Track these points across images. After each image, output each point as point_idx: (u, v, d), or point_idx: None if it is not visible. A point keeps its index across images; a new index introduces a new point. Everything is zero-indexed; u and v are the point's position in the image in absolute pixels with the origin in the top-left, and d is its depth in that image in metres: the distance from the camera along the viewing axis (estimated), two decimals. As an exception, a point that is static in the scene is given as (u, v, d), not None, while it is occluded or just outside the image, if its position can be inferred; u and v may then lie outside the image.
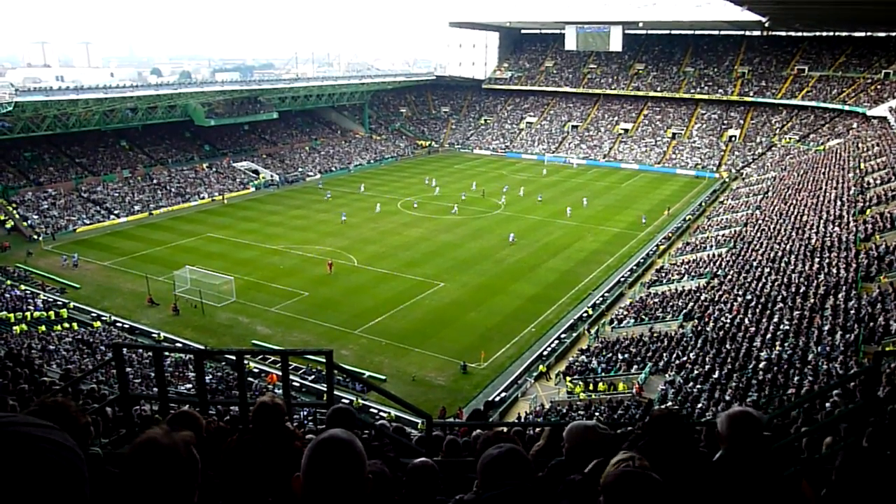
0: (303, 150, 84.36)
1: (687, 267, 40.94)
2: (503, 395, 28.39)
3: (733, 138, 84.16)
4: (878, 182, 44.43)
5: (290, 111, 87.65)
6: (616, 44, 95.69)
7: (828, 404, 15.03)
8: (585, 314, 36.47)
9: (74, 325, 35.28)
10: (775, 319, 27.66)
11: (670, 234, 52.37)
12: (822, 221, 40.22)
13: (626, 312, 35.39)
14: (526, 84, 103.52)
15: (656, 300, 35.75)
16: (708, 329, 28.99)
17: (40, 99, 57.09)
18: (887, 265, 29.62)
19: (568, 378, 28.64)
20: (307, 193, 68.87)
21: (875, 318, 24.77)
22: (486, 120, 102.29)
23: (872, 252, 31.72)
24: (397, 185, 71.85)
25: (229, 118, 76.77)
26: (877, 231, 34.82)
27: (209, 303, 37.39)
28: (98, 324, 35.49)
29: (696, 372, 25.25)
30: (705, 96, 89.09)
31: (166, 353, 28.29)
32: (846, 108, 74.70)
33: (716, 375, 24.45)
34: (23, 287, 39.69)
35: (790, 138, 78.59)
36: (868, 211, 39.03)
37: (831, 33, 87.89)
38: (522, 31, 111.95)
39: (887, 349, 21.54)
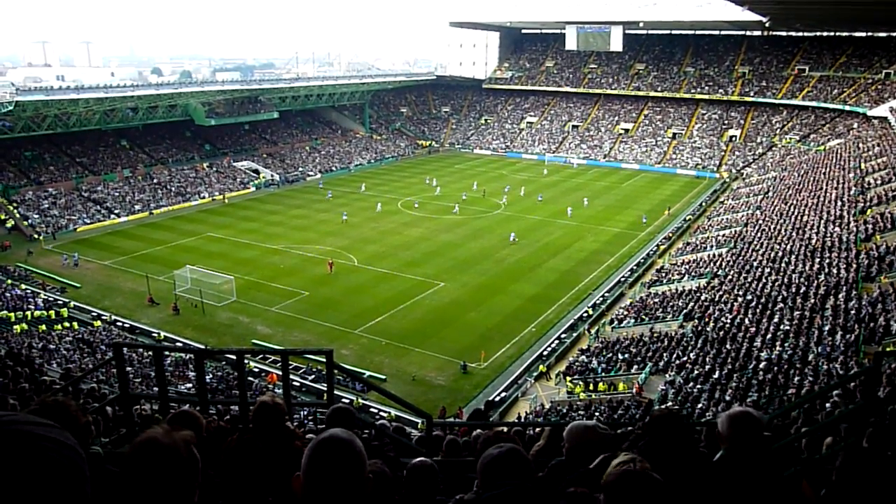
0: (303, 150, 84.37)
1: (687, 267, 40.93)
2: (503, 394, 28.39)
3: (734, 138, 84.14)
4: (879, 182, 44.41)
5: (290, 111, 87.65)
6: (616, 44, 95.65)
7: (828, 405, 15.03)
8: (586, 314, 36.46)
9: (75, 324, 35.30)
10: (776, 320, 27.65)
11: (670, 235, 52.36)
12: (822, 222, 40.21)
13: (626, 312, 35.38)
14: (526, 84, 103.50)
15: (656, 300, 35.74)
16: (708, 329, 28.99)
17: (41, 98, 57.11)
18: (888, 265, 29.61)
19: (568, 378, 28.64)
20: (307, 193, 68.87)
21: (875, 318, 24.77)
22: (486, 120, 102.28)
23: (873, 252, 31.71)
24: (398, 185, 71.85)
25: (230, 118, 76.78)
26: (877, 231, 34.81)
27: (209, 302, 37.40)
28: (98, 323, 35.50)
29: (696, 372, 25.25)
30: (706, 96, 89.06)
31: (166, 353, 28.28)
32: (847, 108, 74.67)
33: (716, 375, 24.45)
34: (23, 286, 39.71)
35: (791, 138, 78.57)
36: (868, 211, 39.02)
37: (832, 33, 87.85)
38: (523, 31, 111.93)
39: (888, 349, 21.53)
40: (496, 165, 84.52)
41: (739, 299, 31.14)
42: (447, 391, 28.75)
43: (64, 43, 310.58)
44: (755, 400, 21.25)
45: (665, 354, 28.20)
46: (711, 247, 44.17)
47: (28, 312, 34.90)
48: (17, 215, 53.75)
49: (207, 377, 25.47)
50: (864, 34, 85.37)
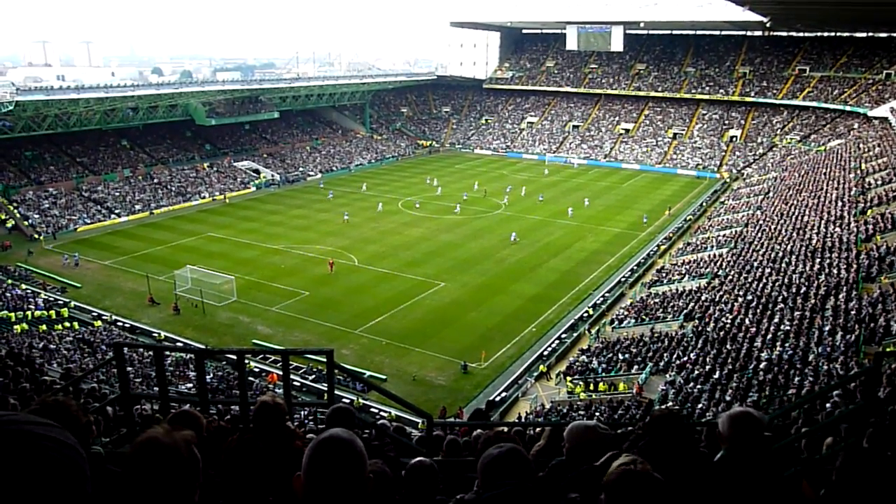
0: (304, 150, 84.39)
1: (688, 267, 40.93)
2: (504, 394, 28.39)
3: (734, 138, 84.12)
4: (879, 182, 44.39)
5: (291, 111, 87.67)
6: (617, 44, 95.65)
7: (828, 405, 15.02)
8: (586, 314, 36.46)
9: (75, 324, 35.31)
10: (776, 320, 27.64)
11: (671, 235, 52.36)
12: (822, 222, 40.20)
13: (626, 312, 35.38)
14: (527, 84, 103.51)
15: (657, 300, 35.74)
16: (708, 329, 28.98)
17: (41, 98, 57.14)
18: (888, 266, 29.60)
19: (568, 378, 28.64)
20: (308, 193, 68.89)
21: (876, 318, 24.76)
22: (487, 120, 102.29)
23: (873, 253, 31.69)
24: (398, 185, 71.86)
25: (230, 118, 76.80)
26: (878, 232, 34.79)
27: (210, 302, 37.41)
28: (99, 323, 35.51)
29: (696, 372, 25.25)
30: (706, 96, 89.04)
31: (167, 353, 28.29)
32: (847, 108, 74.64)
33: (716, 376, 24.45)
34: (24, 286, 39.73)
35: (791, 139, 78.55)
36: (869, 211, 39.00)
37: (833, 34, 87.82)
38: (523, 31, 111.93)
39: (888, 350, 21.52)
40: (497, 165, 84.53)
41: (740, 299, 31.13)
42: (447, 391, 28.75)
43: (64, 43, 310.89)
44: (755, 400, 21.24)
45: (665, 354, 28.20)
46: (712, 247, 44.16)
47: (28, 312, 34.92)
48: (18, 215, 53.77)
49: (208, 377, 25.48)
50: (864, 35, 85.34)
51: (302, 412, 14.48)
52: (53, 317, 35.46)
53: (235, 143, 79.88)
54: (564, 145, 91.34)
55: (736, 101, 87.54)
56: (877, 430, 4.76)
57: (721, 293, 33.12)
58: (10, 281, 40.35)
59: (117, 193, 61.80)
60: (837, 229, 37.67)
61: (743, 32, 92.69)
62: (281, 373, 20.40)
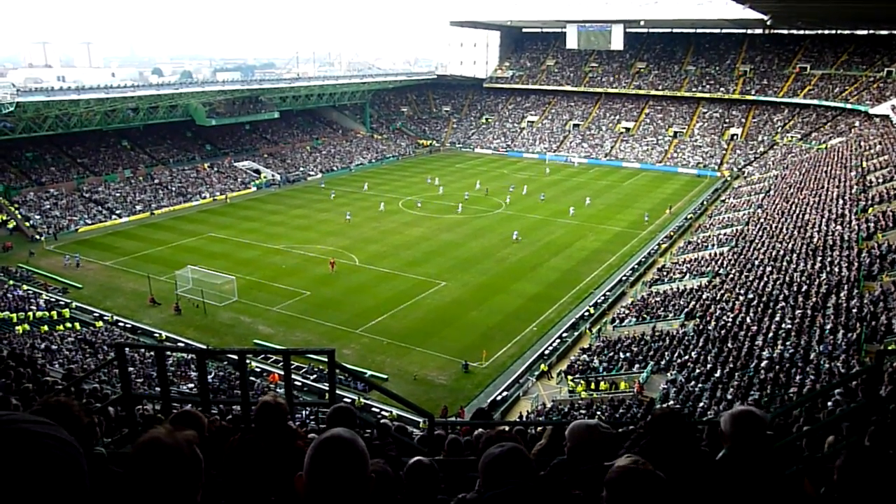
0: (304, 150, 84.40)
1: (689, 266, 40.92)
2: (505, 394, 28.40)
3: (735, 137, 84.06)
4: (881, 180, 44.34)
5: (291, 111, 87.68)
6: (617, 42, 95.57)
7: (830, 403, 15.00)
8: (587, 313, 36.46)
9: (77, 324, 35.35)
10: (777, 318, 27.62)
11: (672, 233, 52.35)
12: (823, 220, 40.16)
13: (627, 311, 35.38)
14: (527, 83, 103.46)
15: (658, 299, 35.73)
16: (710, 328, 28.97)
17: (42, 99, 57.20)
18: (889, 264, 29.56)
19: (569, 377, 28.64)
20: (309, 193, 68.91)
21: (877, 316, 24.72)
22: (487, 119, 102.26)
23: (874, 251, 31.65)
24: (399, 185, 71.87)
25: (230, 118, 76.82)
26: (879, 230, 34.75)
27: (211, 302, 37.43)
28: (100, 323, 35.55)
29: (697, 371, 25.24)
30: (707, 95, 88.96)
31: (168, 353, 28.31)
32: (848, 106, 74.54)
33: (717, 374, 24.44)
34: (25, 287, 39.78)
35: (792, 137, 78.49)
36: (870, 209, 38.95)
37: (833, 31, 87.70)
38: (523, 30, 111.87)
39: (889, 348, 21.50)
40: (497, 165, 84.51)
41: (741, 298, 31.12)
42: (449, 390, 28.76)
43: (64, 43, 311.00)
44: (756, 399, 21.23)
45: (666, 353, 28.19)
46: (713, 245, 44.14)
47: (30, 313, 34.96)
48: (19, 216, 53.82)
49: (209, 377, 25.51)
50: (865, 32, 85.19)
51: (303, 412, 14.48)
52: (55, 317, 35.51)
53: (236, 143, 79.90)
54: (565, 144, 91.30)
55: (736, 100, 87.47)
56: (878, 429, 4.76)
57: (722, 292, 33.11)
58: (11, 282, 40.40)
59: (118, 194, 61.84)
60: (839, 227, 37.63)
61: (743, 30, 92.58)
62: (282, 373, 20.39)
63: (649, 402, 24.55)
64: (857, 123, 71.27)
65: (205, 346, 29.84)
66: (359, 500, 1.81)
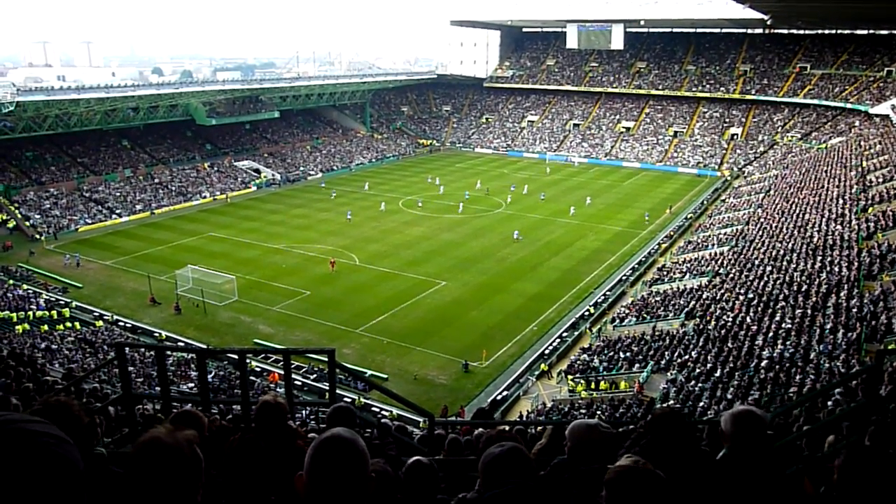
0: (304, 149, 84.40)
1: (689, 265, 40.91)
2: (505, 393, 28.39)
3: (735, 136, 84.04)
4: (881, 180, 44.34)
5: (291, 110, 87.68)
6: (618, 42, 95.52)
7: (830, 403, 15.00)
8: (587, 313, 36.45)
9: (77, 324, 35.35)
10: (777, 318, 27.62)
11: (672, 233, 52.34)
12: (824, 220, 40.16)
13: (627, 311, 35.38)
14: (527, 82, 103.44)
15: (658, 299, 35.73)
16: (710, 327, 28.97)
17: (42, 99, 57.16)
18: (889, 263, 29.56)
19: (570, 377, 28.64)
20: (309, 192, 68.92)
21: (877, 316, 24.73)
22: (487, 119, 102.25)
23: (874, 250, 31.65)
24: (399, 184, 71.86)
25: (231, 117, 76.81)
26: (879, 229, 34.75)
27: (211, 302, 37.44)
28: (100, 323, 35.55)
29: (697, 370, 25.24)
30: (707, 94, 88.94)
31: (168, 353, 28.31)
32: (848, 106, 74.52)
33: (717, 374, 24.44)
34: (25, 286, 39.77)
35: (792, 136, 78.47)
36: (870, 209, 38.95)
37: (833, 31, 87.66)
38: (524, 30, 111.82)
39: (889, 347, 21.51)
40: (497, 164, 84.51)
41: (741, 297, 31.11)
42: (449, 390, 28.76)
43: (65, 43, 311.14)
44: (757, 398, 21.23)
45: (667, 353, 28.20)
46: (713, 245, 44.14)
47: (30, 312, 34.96)
48: (19, 215, 53.83)
49: (209, 377, 25.50)
50: (865, 32, 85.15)
51: (303, 411, 14.48)
52: (55, 317, 35.51)
53: (236, 142, 79.90)
54: (565, 144, 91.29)
55: (737, 99, 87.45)
56: (878, 428, 4.76)
57: (722, 291, 33.11)
58: (11, 281, 40.40)
59: (118, 193, 61.84)
60: (839, 227, 37.63)
61: (744, 30, 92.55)
62: (282, 372, 20.38)
63: (649, 402, 24.55)
64: (857, 123, 71.26)
65: (205, 346, 29.86)
66: (359, 499, 1.81)
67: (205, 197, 65.30)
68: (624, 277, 42.27)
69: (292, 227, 54.22)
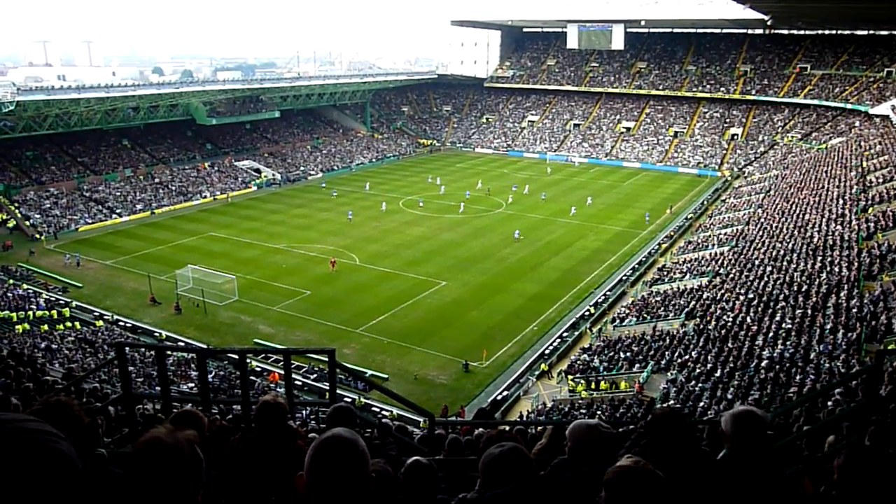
0: (305, 149, 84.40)
1: (689, 265, 40.91)
2: (505, 393, 28.39)
3: (735, 137, 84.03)
4: (881, 180, 44.33)
5: (291, 110, 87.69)
6: (618, 42, 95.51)
7: (830, 403, 15.00)
8: (587, 313, 36.45)
9: (77, 324, 35.34)
10: (777, 318, 27.62)
11: (672, 233, 52.34)
12: (824, 220, 40.16)
13: (628, 311, 35.38)
14: (528, 83, 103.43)
15: (658, 299, 35.72)
16: (710, 328, 28.97)
17: (42, 98, 57.17)
18: (889, 263, 29.56)
19: (570, 377, 28.63)
20: (309, 192, 68.93)
21: (877, 316, 24.73)
22: (487, 119, 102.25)
23: (874, 250, 31.65)
24: (399, 184, 71.87)
25: (231, 117, 76.83)
26: (879, 229, 34.74)
27: (211, 302, 37.44)
28: (100, 323, 35.55)
29: (698, 370, 25.24)
30: (707, 95, 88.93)
31: (169, 353, 28.30)
32: (848, 106, 74.52)
33: (718, 374, 24.44)
34: (25, 286, 39.78)
35: (792, 137, 78.46)
36: (870, 209, 38.95)
37: (834, 32, 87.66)
38: (524, 30, 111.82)
39: (889, 347, 21.50)
40: (498, 164, 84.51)
41: (741, 298, 31.11)
42: (449, 390, 28.76)
43: (65, 42, 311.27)
44: (757, 398, 21.22)
45: (667, 353, 28.20)
46: (713, 245, 44.13)
47: (30, 312, 34.96)
48: (19, 215, 53.84)
49: (209, 376, 25.50)
50: (865, 32, 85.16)
51: (304, 411, 14.48)
52: (55, 317, 35.51)
53: (236, 142, 79.90)
54: (565, 144, 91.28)
55: (737, 100, 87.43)
56: (878, 428, 4.76)
57: (722, 291, 33.11)
58: (11, 281, 40.40)
59: (118, 193, 61.84)
60: (839, 227, 37.63)
61: (744, 30, 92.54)
62: (283, 372, 20.39)
63: (649, 402, 24.55)
64: (857, 123, 71.25)
65: (205, 346, 29.86)
66: (359, 499, 1.82)
67: (205, 197, 65.31)
68: (624, 277, 42.27)
69: (293, 227, 54.22)
